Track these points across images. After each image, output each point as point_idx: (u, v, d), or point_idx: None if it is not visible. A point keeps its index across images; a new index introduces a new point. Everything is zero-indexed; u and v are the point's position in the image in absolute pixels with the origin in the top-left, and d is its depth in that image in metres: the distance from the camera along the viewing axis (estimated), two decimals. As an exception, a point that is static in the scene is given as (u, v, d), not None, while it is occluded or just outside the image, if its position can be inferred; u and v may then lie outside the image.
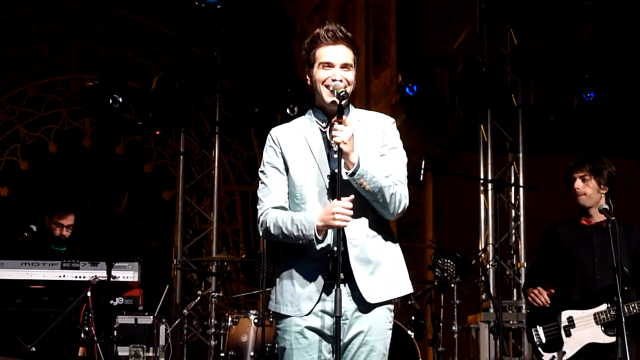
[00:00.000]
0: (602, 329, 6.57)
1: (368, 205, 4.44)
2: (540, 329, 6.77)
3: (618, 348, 6.05)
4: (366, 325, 4.45)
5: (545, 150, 12.17)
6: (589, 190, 6.75)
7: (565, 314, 6.70)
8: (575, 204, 6.84)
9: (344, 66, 4.47)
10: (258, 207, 4.57)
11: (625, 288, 6.34)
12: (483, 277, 10.14)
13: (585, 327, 6.63)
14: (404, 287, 4.56)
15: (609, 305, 6.52)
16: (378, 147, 4.52)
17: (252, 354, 8.27)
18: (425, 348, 9.83)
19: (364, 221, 4.45)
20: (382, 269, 4.47)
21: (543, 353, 6.71)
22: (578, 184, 6.75)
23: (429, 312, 9.48)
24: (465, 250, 9.76)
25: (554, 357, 6.65)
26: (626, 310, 6.45)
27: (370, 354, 4.46)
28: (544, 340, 6.73)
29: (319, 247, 4.38)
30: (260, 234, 4.57)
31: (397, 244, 4.59)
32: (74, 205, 8.92)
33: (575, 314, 6.68)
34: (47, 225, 8.49)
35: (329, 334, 4.42)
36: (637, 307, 6.49)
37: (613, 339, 6.35)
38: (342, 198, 4.30)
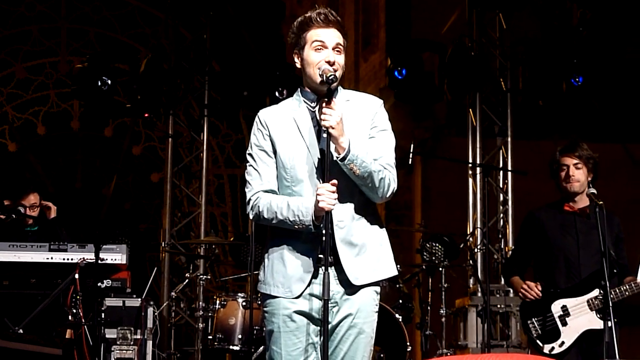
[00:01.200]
0: (598, 315, 6.57)
1: (355, 188, 4.44)
2: (535, 321, 6.77)
3: (605, 332, 6.07)
4: (354, 308, 4.45)
5: (534, 134, 12.16)
6: (582, 177, 6.77)
7: (558, 303, 6.70)
8: (562, 189, 6.84)
9: (336, 48, 4.47)
10: (247, 190, 4.54)
11: (615, 271, 6.37)
12: (471, 261, 10.14)
13: (581, 315, 6.63)
14: (389, 269, 4.57)
15: (601, 291, 6.51)
16: (367, 128, 4.51)
17: (240, 336, 8.29)
18: (413, 331, 9.86)
19: (350, 203, 4.45)
20: (368, 251, 4.47)
21: (542, 345, 6.71)
22: (573, 170, 6.76)
23: (417, 295, 9.52)
24: (454, 234, 9.78)
25: (553, 348, 6.66)
26: (619, 292, 6.48)
27: (359, 337, 4.46)
28: (540, 332, 6.74)
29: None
30: (250, 217, 4.56)
31: (384, 227, 4.59)
32: (33, 184, 8.88)
33: (569, 302, 6.68)
34: (14, 207, 8.43)
35: (317, 317, 4.41)
36: (628, 290, 6.51)
37: (608, 323, 6.35)
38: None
